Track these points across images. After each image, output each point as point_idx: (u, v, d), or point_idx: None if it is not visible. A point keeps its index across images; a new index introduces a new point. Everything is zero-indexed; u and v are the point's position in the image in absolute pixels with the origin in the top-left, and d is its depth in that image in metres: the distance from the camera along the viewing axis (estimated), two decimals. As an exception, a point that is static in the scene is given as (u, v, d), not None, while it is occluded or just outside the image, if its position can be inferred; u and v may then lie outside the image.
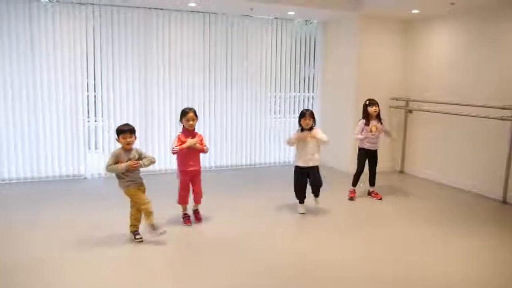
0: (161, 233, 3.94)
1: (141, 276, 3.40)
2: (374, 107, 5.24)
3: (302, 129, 4.80)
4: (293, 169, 4.92)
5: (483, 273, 3.55)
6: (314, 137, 4.74)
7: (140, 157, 4.00)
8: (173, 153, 4.29)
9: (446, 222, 4.71)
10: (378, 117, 5.31)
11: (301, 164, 4.81)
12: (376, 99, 5.32)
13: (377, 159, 5.44)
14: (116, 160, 3.89)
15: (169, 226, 4.26)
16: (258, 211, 4.95)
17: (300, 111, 4.93)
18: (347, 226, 4.72)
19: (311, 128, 4.79)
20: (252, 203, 5.19)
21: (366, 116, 5.28)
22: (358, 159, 5.42)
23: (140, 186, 4.00)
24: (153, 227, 3.94)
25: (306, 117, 4.75)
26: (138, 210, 4.01)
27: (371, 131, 5.25)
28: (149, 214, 3.93)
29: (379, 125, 5.29)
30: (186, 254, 3.90)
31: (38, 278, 3.29)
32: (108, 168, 3.89)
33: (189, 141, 4.23)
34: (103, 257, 3.69)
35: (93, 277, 3.34)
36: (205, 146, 4.40)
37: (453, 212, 5.06)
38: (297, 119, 4.88)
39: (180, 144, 4.24)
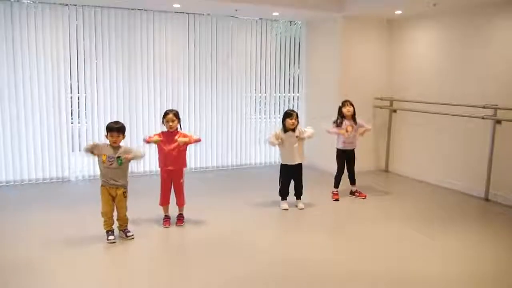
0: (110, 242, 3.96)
1: (127, 275, 3.40)
2: (347, 107, 5.28)
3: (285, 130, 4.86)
4: (277, 169, 5.00)
5: (465, 270, 3.58)
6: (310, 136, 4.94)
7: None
8: (144, 141, 4.35)
9: (430, 219, 4.75)
10: (353, 117, 5.34)
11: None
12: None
13: (354, 158, 5.47)
14: (92, 149, 3.93)
15: (156, 227, 4.29)
16: (242, 211, 4.95)
17: (285, 111, 4.99)
18: (332, 224, 4.77)
19: (295, 129, 4.84)
20: (235, 203, 5.18)
21: (342, 116, 5.32)
22: (337, 160, 5.46)
23: (112, 189, 3.95)
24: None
25: (293, 117, 4.83)
26: (120, 208, 4.01)
27: (346, 131, 5.28)
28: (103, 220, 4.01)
29: (354, 125, 5.32)
30: (171, 254, 3.90)
31: (29, 278, 3.30)
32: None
33: (155, 138, 4.27)
34: (90, 256, 3.71)
35: (80, 277, 3.35)
36: (191, 137, 4.36)
37: (436, 210, 5.11)
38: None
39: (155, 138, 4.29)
